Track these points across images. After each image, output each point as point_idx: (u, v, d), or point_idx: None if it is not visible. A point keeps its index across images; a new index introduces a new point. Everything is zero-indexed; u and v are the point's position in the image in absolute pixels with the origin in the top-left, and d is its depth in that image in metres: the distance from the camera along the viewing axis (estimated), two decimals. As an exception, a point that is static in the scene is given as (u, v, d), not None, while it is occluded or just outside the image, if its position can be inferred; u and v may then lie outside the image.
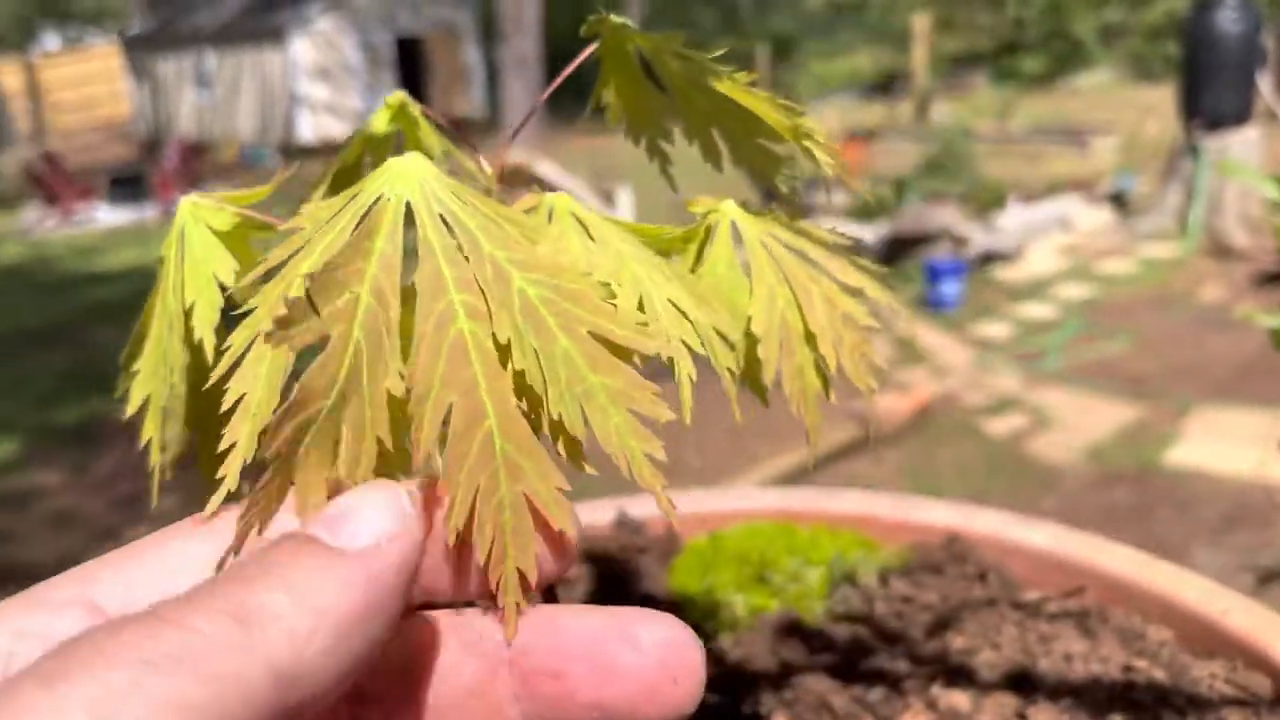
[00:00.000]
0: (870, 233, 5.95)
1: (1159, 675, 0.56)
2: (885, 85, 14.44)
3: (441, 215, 0.31)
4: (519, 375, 0.29)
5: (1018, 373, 4.35)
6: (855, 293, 0.39)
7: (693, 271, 0.38)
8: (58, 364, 5.46)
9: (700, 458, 3.55)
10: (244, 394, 0.29)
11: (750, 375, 0.38)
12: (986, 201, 6.70)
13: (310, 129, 15.90)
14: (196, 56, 17.03)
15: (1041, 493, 3.26)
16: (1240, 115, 6.32)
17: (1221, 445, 3.53)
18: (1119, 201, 7.13)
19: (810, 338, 0.38)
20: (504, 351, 0.29)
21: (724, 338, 0.35)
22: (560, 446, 0.30)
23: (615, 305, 0.30)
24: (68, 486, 3.81)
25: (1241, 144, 6.25)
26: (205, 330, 0.37)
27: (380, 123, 0.45)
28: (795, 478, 3.41)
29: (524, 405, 0.29)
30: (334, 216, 0.31)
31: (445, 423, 0.29)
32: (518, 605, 0.28)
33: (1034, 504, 3.17)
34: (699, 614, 0.67)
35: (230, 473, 0.29)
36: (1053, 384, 4.22)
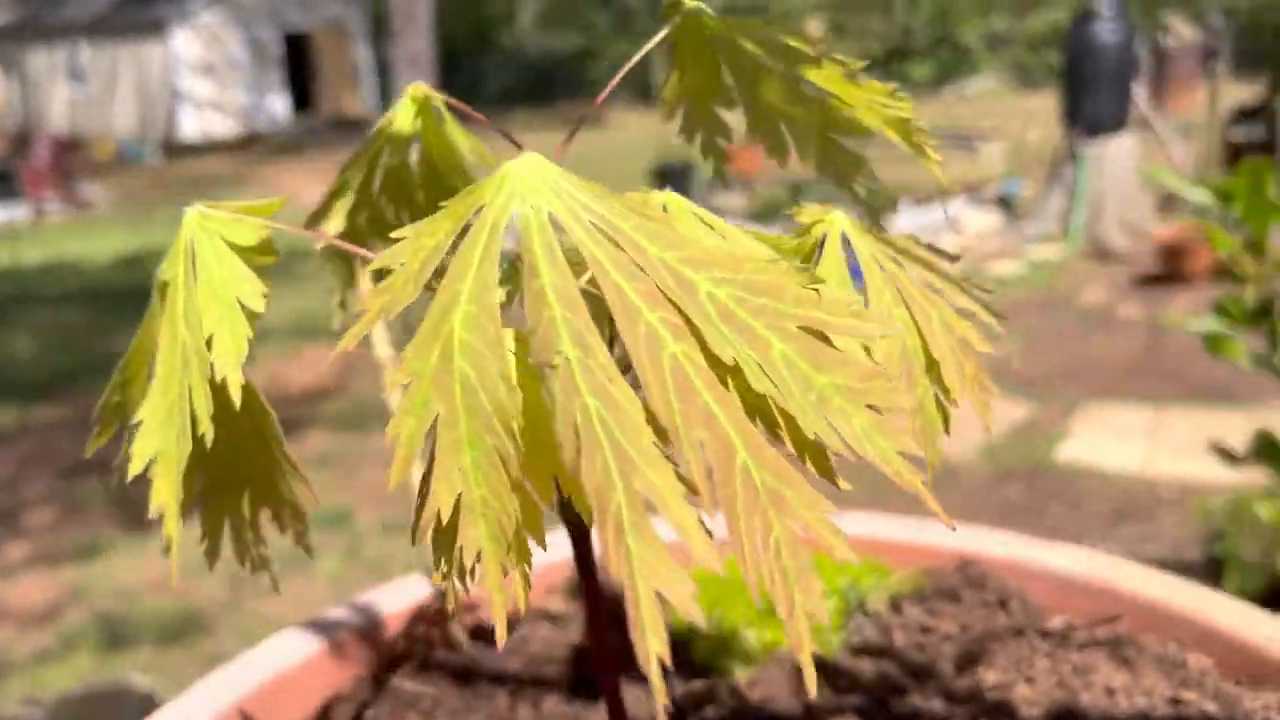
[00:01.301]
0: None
1: (1210, 708, 0.53)
2: (778, 89, 14.62)
3: (593, 223, 0.25)
4: (750, 394, 0.24)
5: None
6: (969, 316, 0.35)
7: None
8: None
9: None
10: (459, 494, 0.24)
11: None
12: (879, 204, 6.82)
13: (194, 125, 15.35)
14: (69, 49, 16.29)
15: (941, 492, 3.31)
16: (1117, 122, 6.56)
17: (1108, 442, 3.64)
18: (1006, 205, 7.33)
19: (933, 365, 0.33)
20: (722, 370, 0.25)
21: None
22: (809, 464, 0.25)
23: (818, 290, 0.25)
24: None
25: (1118, 150, 6.49)
26: (232, 367, 0.30)
27: (404, 120, 0.39)
28: None
29: (759, 426, 0.25)
30: (462, 245, 0.26)
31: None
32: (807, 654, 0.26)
33: (914, 510, 3.21)
34: (709, 648, 0.63)
35: (493, 586, 0.24)
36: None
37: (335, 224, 0.40)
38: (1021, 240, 6.67)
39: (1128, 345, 4.77)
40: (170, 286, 0.32)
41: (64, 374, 5.10)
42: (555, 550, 0.72)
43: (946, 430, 0.34)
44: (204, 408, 0.31)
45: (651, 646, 0.23)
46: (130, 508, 3.32)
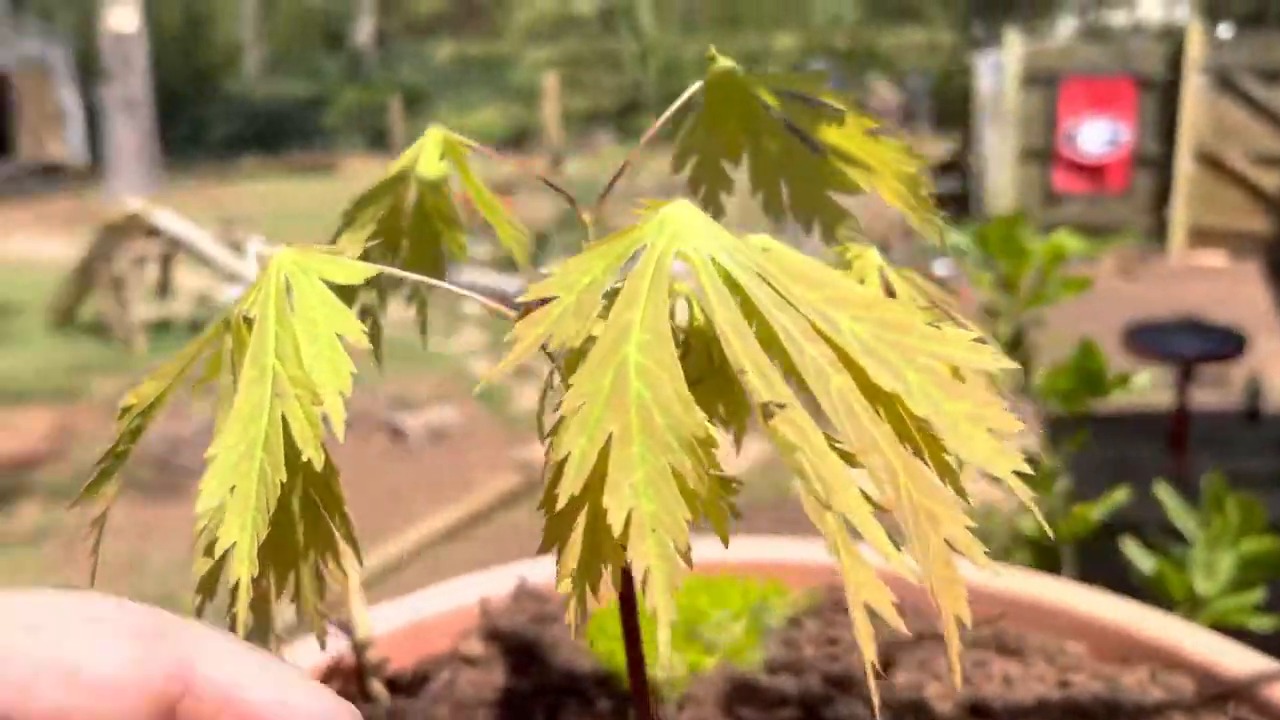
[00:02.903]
0: (513, 284, 6.07)
1: (1096, 687, 0.60)
2: (517, 140, 14.79)
3: (750, 267, 0.28)
4: (900, 422, 0.27)
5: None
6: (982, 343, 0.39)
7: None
8: None
9: (359, 520, 3.41)
10: (630, 509, 0.26)
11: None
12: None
13: None
14: None
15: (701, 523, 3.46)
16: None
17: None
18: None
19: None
20: (875, 399, 0.27)
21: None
22: (948, 484, 0.28)
23: (940, 327, 0.29)
24: None
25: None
26: (335, 407, 0.30)
27: (430, 164, 0.40)
28: (456, 534, 3.38)
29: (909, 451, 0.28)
30: (628, 279, 0.27)
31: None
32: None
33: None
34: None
35: (660, 604, 0.25)
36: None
37: (353, 252, 0.40)
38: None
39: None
40: (261, 320, 0.31)
41: None
42: (462, 593, 0.72)
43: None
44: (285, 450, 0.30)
45: (867, 654, 0.26)
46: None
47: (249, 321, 0.31)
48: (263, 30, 19.85)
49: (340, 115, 17.80)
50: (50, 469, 4.08)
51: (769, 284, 0.28)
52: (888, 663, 0.65)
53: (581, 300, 0.28)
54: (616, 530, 0.26)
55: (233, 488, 0.31)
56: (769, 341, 0.27)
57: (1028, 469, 0.29)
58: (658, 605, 0.27)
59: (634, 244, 0.28)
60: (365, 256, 0.43)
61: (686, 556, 0.28)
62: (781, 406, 0.26)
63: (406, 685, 0.65)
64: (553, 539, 0.29)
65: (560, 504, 0.28)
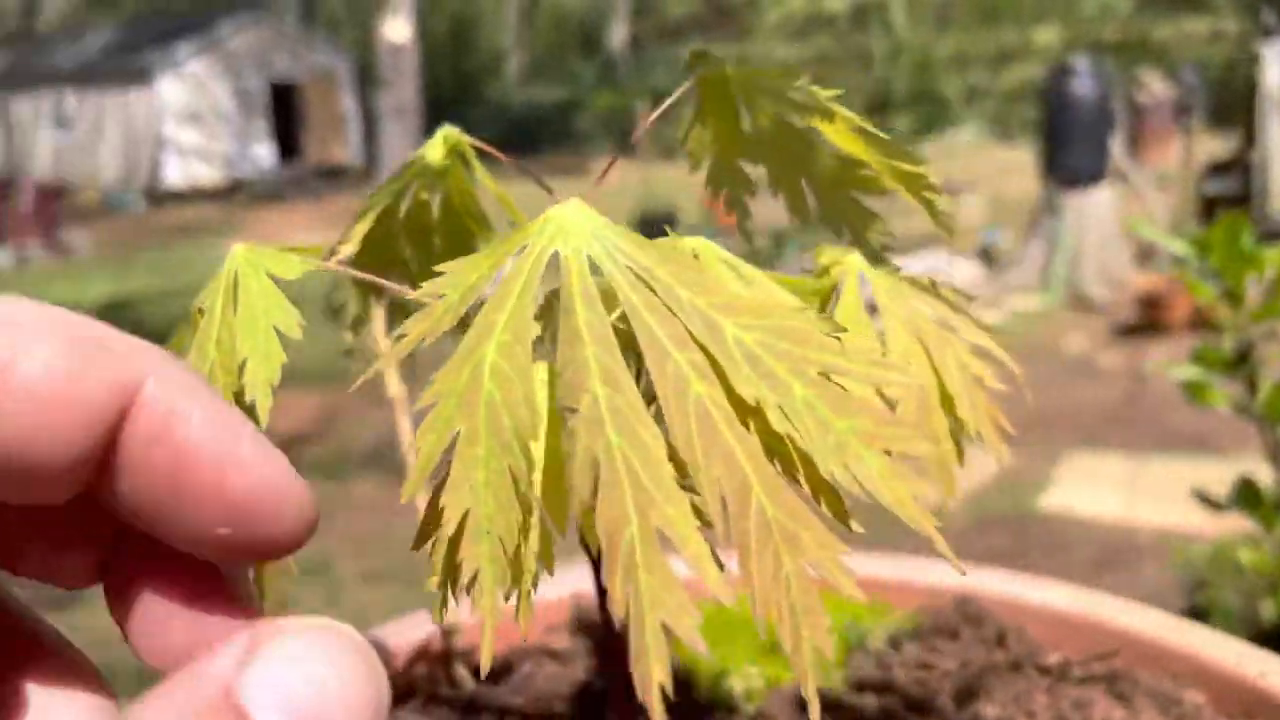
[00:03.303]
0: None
1: (1207, 743, 0.54)
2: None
3: (629, 267, 0.27)
4: (770, 435, 0.26)
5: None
6: (983, 354, 0.36)
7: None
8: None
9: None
10: (468, 509, 0.25)
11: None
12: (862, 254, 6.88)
13: (178, 173, 15.39)
14: (55, 96, 16.35)
15: (924, 541, 3.32)
16: (1095, 174, 6.67)
17: (1089, 490, 3.66)
18: (987, 255, 7.42)
19: (947, 400, 0.35)
20: (744, 411, 0.26)
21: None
22: (824, 505, 0.26)
23: (840, 339, 0.27)
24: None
25: (1097, 202, 6.60)
26: (262, 390, 0.32)
27: (435, 154, 0.41)
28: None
29: (777, 467, 0.26)
30: (503, 279, 0.27)
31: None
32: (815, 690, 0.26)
33: (919, 551, 3.22)
34: (711, 686, 0.63)
35: (485, 607, 0.25)
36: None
37: (351, 251, 0.41)
38: (1002, 290, 6.75)
39: (1108, 394, 4.81)
40: (208, 313, 0.33)
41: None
42: (558, 587, 0.73)
43: (960, 463, 0.36)
44: None
45: (654, 674, 0.24)
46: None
47: (202, 313, 0.33)
48: (523, 37, 20.79)
49: (592, 118, 18.38)
50: (316, 446, 4.44)
51: (649, 287, 0.27)
52: (975, 693, 0.61)
53: (463, 298, 0.28)
54: (449, 530, 0.26)
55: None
56: (632, 345, 0.26)
57: (928, 493, 0.26)
58: (484, 609, 0.27)
59: (519, 244, 0.28)
60: (391, 252, 0.45)
61: (515, 559, 0.27)
62: (573, 410, 0.25)
63: (491, 674, 0.67)
64: (423, 536, 0.29)
65: (404, 498, 0.28)
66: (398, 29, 12.95)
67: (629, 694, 0.38)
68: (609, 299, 0.27)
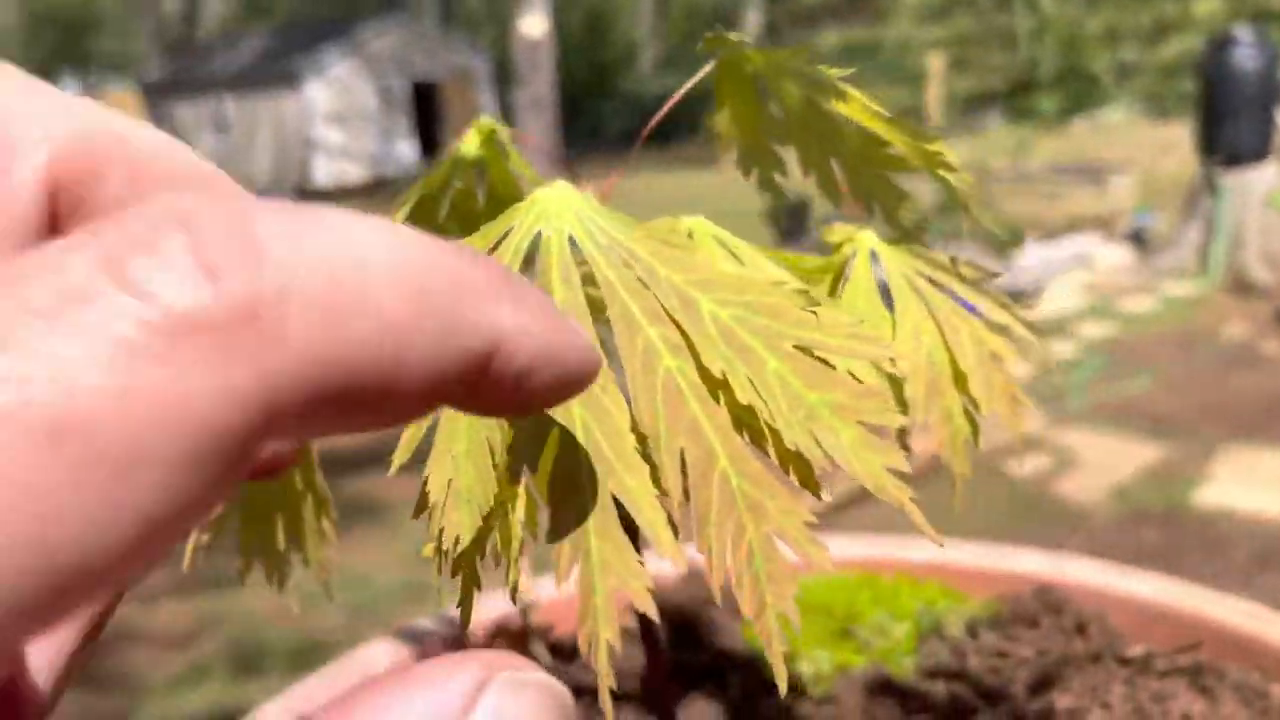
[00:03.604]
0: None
1: (1291, 739, 0.52)
2: (898, 125, 14.46)
3: (610, 246, 0.28)
4: (739, 407, 0.26)
5: (1041, 413, 4.30)
6: (1001, 330, 0.36)
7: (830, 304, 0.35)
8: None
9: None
10: (450, 479, 0.26)
11: (893, 419, 0.35)
12: (1004, 241, 6.68)
13: (326, 173, 16.02)
14: (215, 102, 17.21)
15: (1069, 534, 3.20)
16: (1258, 152, 6.31)
17: (1250, 485, 3.47)
18: (1138, 239, 7.09)
19: (960, 378, 0.35)
20: (714, 384, 0.27)
21: (882, 372, 0.32)
22: (793, 475, 0.27)
23: (816, 313, 0.27)
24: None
25: (1260, 181, 6.23)
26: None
27: (471, 146, 0.43)
28: (825, 520, 3.35)
29: (745, 438, 0.27)
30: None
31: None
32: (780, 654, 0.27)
33: (1063, 546, 3.11)
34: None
35: (465, 570, 0.27)
36: (1075, 424, 4.16)
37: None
38: (1155, 275, 6.44)
39: (1271, 384, 4.54)
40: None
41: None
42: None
43: (976, 442, 0.35)
44: None
45: (602, 634, 0.25)
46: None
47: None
48: (658, 29, 20.85)
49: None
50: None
51: (627, 265, 0.28)
52: (1051, 683, 0.59)
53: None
54: (436, 498, 0.27)
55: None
56: (613, 323, 0.27)
57: (904, 465, 0.26)
58: (464, 576, 0.28)
59: (506, 226, 0.29)
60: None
61: (503, 528, 0.28)
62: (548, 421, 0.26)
63: (567, 651, 0.69)
64: (420, 506, 0.31)
65: (392, 470, 0.29)
66: (534, 24, 13.17)
67: (666, 673, 0.39)
68: (590, 280, 0.28)
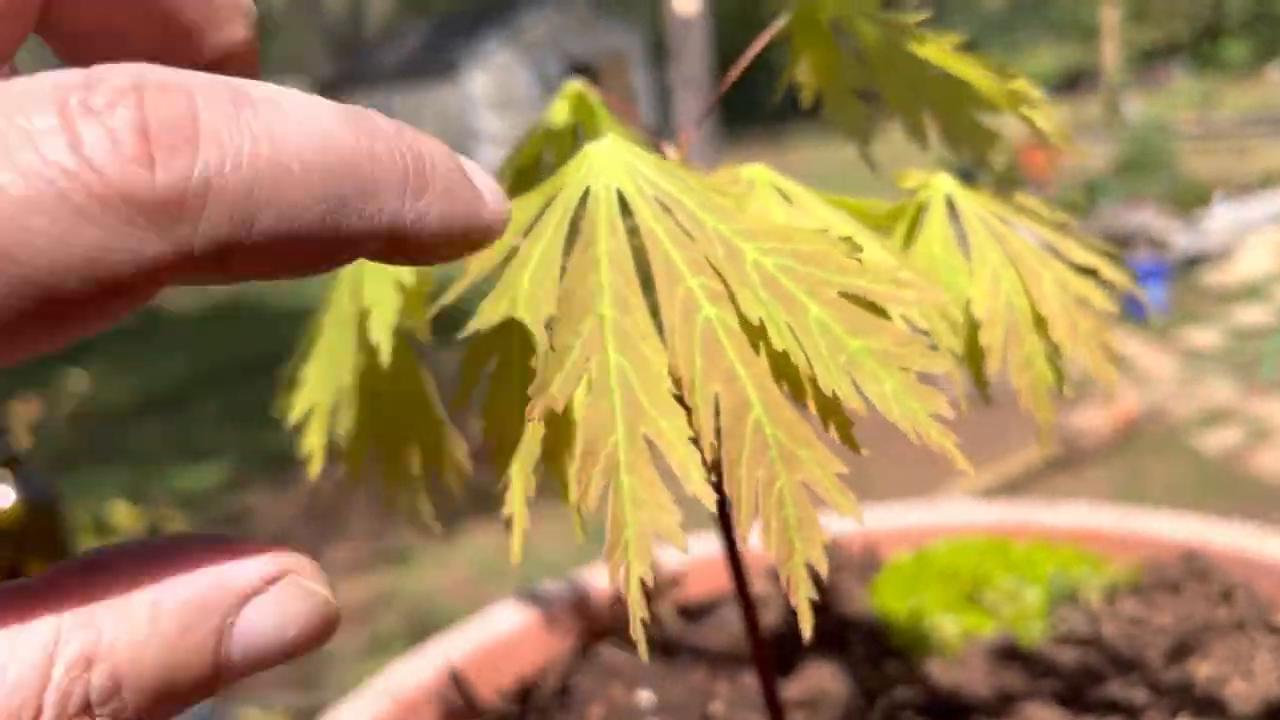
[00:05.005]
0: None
1: None
2: (1070, 83, 13.81)
3: (657, 198, 0.28)
4: (779, 356, 0.27)
5: (1231, 382, 4.04)
6: (1089, 273, 0.35)
7: (904, 251, 0.35)
8: (265, 393, 5.77)
9: (895, 468, 3.43)
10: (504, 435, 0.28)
11: (971, 366, 0.34)
12: (1189, 200, 6.29)
13: (488, 160, 16.42)
14: (385, 96, 17.88)
15: (1264, 513, 3.00)
16: None
17: None
18: (1340, 192, 6.56)
19: (1041, 323, 0.33)
20: (755, 333, 0.27)
21: (946, 317, 0.31)
22: (832, 429, 0.27)
23: (861, 260, 0.27)
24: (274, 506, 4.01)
25: None
26: (383, 332, 0.35)
27: (560, 115, 0.43)
28: (996, 495, 3.24)
29: (785, 388, 0.27)
30: (539, 218, 0.29)
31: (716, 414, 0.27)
32: (808, 600, 0.26)
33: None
34: (905, 635, 0.63)
35: (517, 518, 0.28)
36: (1272, 393, 3.89)
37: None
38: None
39: None
40: (343, 268, 0.37)
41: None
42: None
43: (1061, 389, 0.34)
44: (350, 365, 0.36)
45: (635, 569, 0.26)
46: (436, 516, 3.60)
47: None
48: None
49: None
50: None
51: (673, 216, 0.28)
52: (1190, 651, 0.57)
53: (514, 237, 0.30)
54: (493, 443, 0.28)
55: (313, 405, 0.38)
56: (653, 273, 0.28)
57: (948, 412, 0.26)
58: (516, 518, 0.29)
59: (561, 183, 0.30)
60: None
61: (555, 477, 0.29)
62: (549, 328, 0.27)
63: (693, 613, 0.70)
64: (486, 451, 0.31)
65: (450, 412, 0.30)
66: (687, 2, 13.17)
67: (761, 638, 0.39)
68: (637, 232, 0.28)
